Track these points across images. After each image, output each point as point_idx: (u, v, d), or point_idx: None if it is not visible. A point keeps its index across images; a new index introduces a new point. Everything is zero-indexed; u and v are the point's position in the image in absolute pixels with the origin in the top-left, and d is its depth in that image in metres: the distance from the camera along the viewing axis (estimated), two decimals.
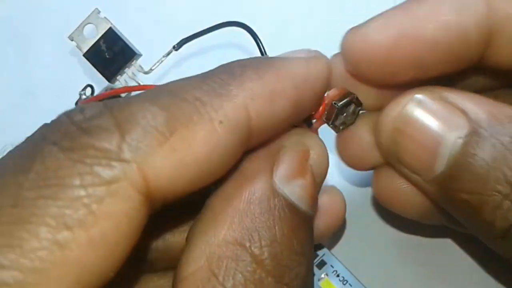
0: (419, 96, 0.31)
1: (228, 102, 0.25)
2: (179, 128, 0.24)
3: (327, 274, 0.40)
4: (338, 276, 0.40)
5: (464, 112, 0.30)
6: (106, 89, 0.39)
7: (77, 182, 0.22)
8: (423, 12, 0.31)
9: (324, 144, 0.30)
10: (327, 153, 0.30)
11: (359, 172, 0.38)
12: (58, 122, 0.24)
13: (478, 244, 0.32)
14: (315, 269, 0.40)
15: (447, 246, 0.43)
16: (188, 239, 0.27)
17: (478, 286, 0.40)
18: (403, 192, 0.35)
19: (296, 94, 0.27)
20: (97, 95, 0.36)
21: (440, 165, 0.30)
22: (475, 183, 0.29)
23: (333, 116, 0.32)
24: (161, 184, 0.23)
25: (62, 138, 0.23)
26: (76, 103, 0.38)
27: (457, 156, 0.29)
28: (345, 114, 0.33)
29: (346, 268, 0.40)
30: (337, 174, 0.44)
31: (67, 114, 0.25)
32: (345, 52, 0.32)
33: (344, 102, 0.32)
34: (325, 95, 0.32)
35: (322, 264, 0.40)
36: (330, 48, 0.49)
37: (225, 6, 0.50)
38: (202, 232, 0.26)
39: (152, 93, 0.25)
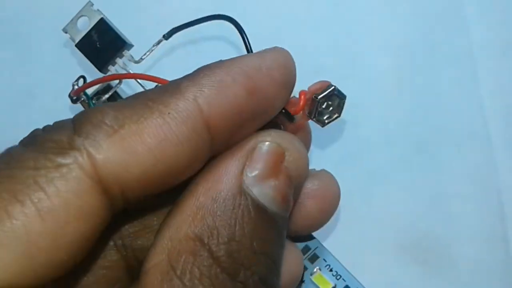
0: None
1: (177, 95, 0.26)
2: (129, 123, 0.25)
3: (320, 269, 0.38)
4: (331, 270, 0.38)
5: None
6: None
7: (31, 164, 0.24)
8: None
9: (302, 145, 0.30)
10: (305, 154, 0.30)
11: (355, 166, 0.37)
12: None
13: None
14: (307, 263, 0.38)
15: (445, 243, 0.41)
16: (155, 234, 0.27)
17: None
18: None
19: (249, 82, 0.27)
20: (88, 83, 0.36)
21: None
22: None
23: (315, 110, 0.31)
24: (112, 169, 0.25)
25: (27, 138, 0.26)
26: (69, 95, 0.38)
27: None
28: (331, 109, 0.32)
29: (340, 262, 0.38)
30: (332, 164, 0.43)
31: None
32: None
33: (325, 95, 0.31)
34: (307, 89, 0.32)
35: (314, 258, 0.38)
36: (319, 45, 0.49)
37: None
38: (166, 227, 0.27)
39: (118, 101, 0.27)
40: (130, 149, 0.25)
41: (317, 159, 0.49)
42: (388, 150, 0.49)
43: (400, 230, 0.47)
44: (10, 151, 0.26)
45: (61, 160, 0.24)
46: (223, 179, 0.27)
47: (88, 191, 0.24)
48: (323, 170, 0.35)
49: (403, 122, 0.50)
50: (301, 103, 0.31)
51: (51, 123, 0.27)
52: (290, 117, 0.31)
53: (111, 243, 0.32)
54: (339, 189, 0.34)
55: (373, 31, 0.50)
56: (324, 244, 0.39)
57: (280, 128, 0.32)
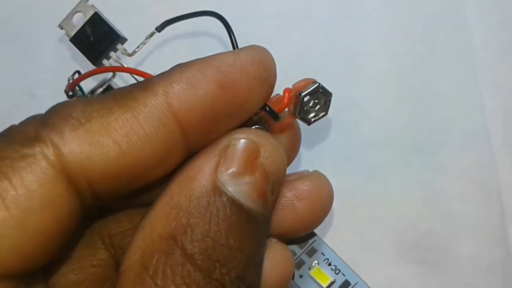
0: None
1: (147, 91, 0.26)
2: (96, 116, 0.26)
3: (318, 263, 0.37)
4: (330, 264, 0.37)
5: None
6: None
7: None
8: None
9: (276, 141, 0.29)
10: (281, 150, 0.29)
11: (355, 166, 0.36)
12: None
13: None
14: (305, 257, 0.37)
15: (445, 243, 0.41)
16: (132, 235, 0.28)
17: None
18: None
19: (220, 76, 0.27)
20: (81, 75, 0.36)
21: None
22: None
23: (299, 107, 0.31)
24: (77, 160, 0.25)
25: (3, 131, 0.27)
26: (65, 90, 0.37)
27: None
28: (317, 107, 0.31)
29: (339, 256, 0.37)
30: (332, 164, 0.43)
31: None
32: None
33: (308, 92, 0.30)
34: (291, 87, 0.31)
35: (312, 252, 0.37)
36: (319, 45, 0.49)
37: None
38: (141, 227, 0.27)
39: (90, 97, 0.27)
40: (95, 141, 0.25)
41: (317, 159, 0.48)
42: (388, 150, 0.49)
43: (400, 229, 0.46)
44: None
45: (26, 150, 0.25)
46: (197, 177, 0.27)
47: (52, 181, 0.25)
48: (315, 171, 0.34)
49: (403, 122, 0.49)
50: (285, 100, 0.30)
51: None
52: (274, 115, 0.30)
53: (100, 241, 0.32)
54: (331, 190, 0.33)
55: (373, 31, 0.50)
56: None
57: (265, 127, 0.31)
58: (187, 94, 0.27)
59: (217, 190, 0.26)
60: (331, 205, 0.33)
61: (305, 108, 0.31)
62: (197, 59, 0.28)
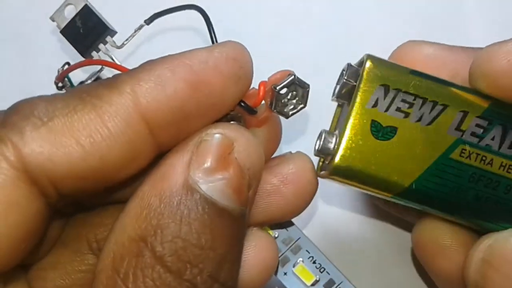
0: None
1: (113, 89, 0.25)
2: (58, 115, 0.24)
3: (302, 260, 0.36)
4: (314, 262, 0.35)
5: None
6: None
7: None
8: None
9: (250, 135, 0.28)
10: (256, 143, 0.28)
11: None
12: None
13: None
14: (290, 254, 0.36)
15: None
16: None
17: None
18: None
19: (191, 75, 0.26)
20: (70, 67, 0.35)
21: None
22: None
23: (275, 101, 0.29)
24: (38, 161, 0.24)
25: None
26: (55, 81, 0.37)
27: None
28: (296, 99, 0.30)
29: (324, 254, 0.36)
30: None
31: None
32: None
33: (284, 85, 0.29)
34: (267, 80, 0.30)
35: (297, 249, 0.36)
36: (318, 45, 0.48)
37: None
38: (113, 229, 0.26)
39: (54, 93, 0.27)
40: (57, 142, 0.24)
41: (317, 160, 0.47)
42: None
43: (400, 230, 0.45)
44: None
45: None
46: (169, 176, 0.26)
47: (14, 182, 0.24)
48: (297, 153, 0.33)
49: None
50: (260, 93, 0.29)
51: None
52: (250, 110, 0.29)
53: (87, 247, 0.31)
54: (314, 171, 0.32)
55: (373, 31, 0.48)
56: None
57: (241, 122, 0.29)
58: (155, 93, 0.25)
59: (189, 188, 0.25)
60: (316, 187, 0.32)
61: (282, 101, 0.29)
62: (168, 56, 0.27)
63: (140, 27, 0.35)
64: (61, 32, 0.37)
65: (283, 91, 0.29)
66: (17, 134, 0.24)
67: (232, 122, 0.29)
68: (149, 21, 0.35)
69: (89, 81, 0.37)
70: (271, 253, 0.31)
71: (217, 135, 0.27)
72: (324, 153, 0.31)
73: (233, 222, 0.26)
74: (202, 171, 0.25)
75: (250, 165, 0.27)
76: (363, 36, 0.49)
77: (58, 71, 0.36)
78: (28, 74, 0.49)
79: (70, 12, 0.37)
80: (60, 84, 0.36)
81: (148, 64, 0.26)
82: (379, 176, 0.29)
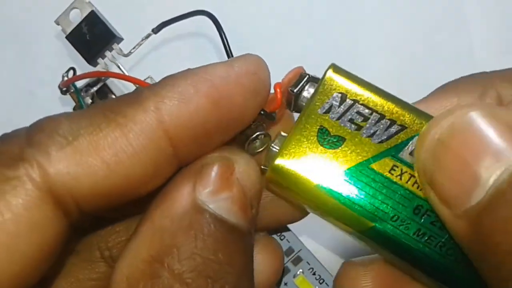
0: (479, 110, 0.24)
1: (137, 106, 0.25)
2: (83, 134, 0.24)
3: (302, 272, 0.36)
4: (314, 274, 0.36)
5: None
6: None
7: None
8: None
9: (249, 157, 0.28)
10: (254, 165, 0.28)
11: None
12: None
13: None
14: (290, 265, 0.36)
15: None
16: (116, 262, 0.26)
17: None
18: None
19: (214, 92, 0.26)
20: (76, 76, 0.35)
21: (479, 193, 0.23)
22: None
23: (293, 103, 0.29)
24: (63, 181, 0.24)
25: None
26: (59, 86, 0.36)
27: (503, 186, 0.23)
28: (311, 94, 0.29)
29: (324, 266, 0.36)
30: None
31: None
32: None
33: (300, 86, 0.29)
34: (281, 81, 0.29)
35: (298, 261, 0.36)
36: (319, 45, 0.47)
37: None
38: (124, 254, 0.26)
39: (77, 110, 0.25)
40: (82, 161, 0.24)
41: None
42: None
43: None
44: None
45: (11, 172, 0.23)
46: (177, 199, 0.26)
47: (39, 203, 0.23)
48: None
49: None
50: (278, 96, 0.29)
51: None
52: (270, 117, 0.29)
53: (98, 254, 0.31)
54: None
55: (373, 31, 0.48)
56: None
57: (264, 130, 0.29)
58: (179, 111, 0.25)
59: (198, 208, 0.25)
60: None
61: (301, 103, 0.29)
62: (188, 70, 0.26)
63: (148, 35, 0.35)
64: (66, 37, 0.36)
65: (301, 92, 0.29)
66: (43, 155, 0.24)
67: (257, 133, 0.29)
68: (156, 30, 0.34)
69: (95, 88, 0.37)
70: (278, 260, 0.32)
71: (219, 158, 0.27)
72: (269, 159, 0.29)
73: (244, 238, 0.26)
74: (207, 192, 0.26)
75: (251, 185, 0.27)
76: (363, 36, 0.49)
77: (63, 77, 0.36)
78: (28, 74, 0.49)
79: (75, 16, 0.37)
80: (64, 89, 0.36)
81: (171, 80, 0.26)
82: (312, 183, 0.28)
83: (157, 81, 0.27)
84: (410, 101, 0.44)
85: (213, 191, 0.26)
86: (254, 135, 0.29)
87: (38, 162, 0.23)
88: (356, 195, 0.27)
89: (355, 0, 0.49)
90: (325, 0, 0.49)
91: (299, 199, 0.28)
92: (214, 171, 0.26)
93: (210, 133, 0.26)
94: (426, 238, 0.27)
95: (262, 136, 0.29)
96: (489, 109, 0.25)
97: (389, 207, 0.27)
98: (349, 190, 0.27)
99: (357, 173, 0.27)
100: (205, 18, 0.33)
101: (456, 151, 0.24)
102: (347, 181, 0.27)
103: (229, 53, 0.30)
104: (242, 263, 0.26)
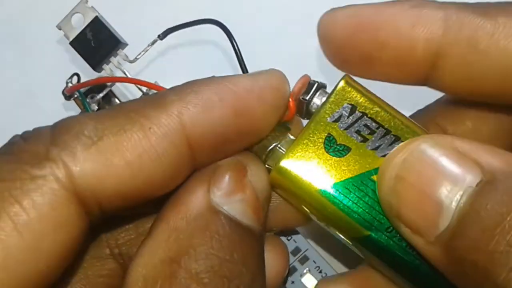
0: (427, 142, 0.26)
1: (161, 109, 0.25)
2: (108, 134, 0.24)
3: (309, 270, 0.37)
4: (320, 272, 0.37)
5: (476, 161, 0.25)
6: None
7: (7, 176, 0.23)
8: (383, 15, 0.29)
9: (260, 161, 0.29)
10: (265, 169, 0.29)
11: None
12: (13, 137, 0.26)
13: None
14: (297, 264, 0.37)
15: None
16: (130, 263, 0.26)
17: None
18: None
19: (237, 102, 0.26)
20: (82, 83, 0.35)
21: (446, 219, 0.24)
22: (485, 239, 0.23)
23: (305, 110, 0.30)
24: (88, 181, 0.24)
25: (5, 146, 0.25)
26: (63, 92, 0.37)
27: (466, 208, 0.24)
28: (322, 101, 0.30)
29: (330, 264, 0.37)
30: None
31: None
32: (319, 29, 0.31)
33: (311, 94, 0.30)
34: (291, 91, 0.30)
35: (305, 260, 0.37)
36: (319, 46, 0.48)
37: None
38: (140, 255, 0.26)
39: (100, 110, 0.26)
40: (107, 162, 0.24)
41: None
42: None
43: None
44: None
45: (36, 171, 0.23)
46: (191, 200, 0.26)
47: (64, 203, 0.24)
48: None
49: None
50: (292, 105, 0.29)
51: (50, 123, 0.26)
52: (285, 127, 0.30)
53: (108, 251, 0.31)
54: None
55: None
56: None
57: (278, 140, 0.30)
58: (202, 118, 0.25)
59: (212, 210, 0.26)
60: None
61: (311, 110, 0.30)
62: (212, 78, 0.27)
63: (153, 42, 0.35)
64: (70, 43, 0.36)
65: (313, 100, 0.30)
66: (69, 155, 0.24)
67: (274, 144, 0.29)
68: (162, 36, 0.34)
69: (101, 94, 0.37)
70: (285, 259, 0.33)
71: (231, 161, 0.27)
72: (274, 159, 0.30)
73: (257, 240, 0.27)
74: (221, 194, 0.26)
75: (262, 188, 0.28)
76: None
77: (67, 83, 0.36)
78: (28, 74, 0.49)
79: (77, 20, 0.37)
80: (68, 95, 0.36)
81: (195, 86, 0.26)
82: (314, 187, 0.29)
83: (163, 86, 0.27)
84: (411, 102, 0.45)
85: (227, 193, 0.26)
86: (272, 146, 0.29)
87: (64, 162, 0.24)
88: (355, 203, 0.28)
89: (355, 0, 0.49)
90: (325, 0, 0.49)
91: (299, 201, 0.29)
92: (227, 173, 0.27)
93: (229, 141, 0.27)
94: None
95: (278, 147, 0.30)
96: (436, 138, 0.26)
97: (385, 218, 0.28)
98: (349, 198, 0.28)
99: (358, 182, 0.28)
100: (212, 27, 0.33)
101: (414, 184, 0.25)
102: (348, 189, 0.28)
103: (241, 63, 0.31)
104: (256, 263, 0.27)
